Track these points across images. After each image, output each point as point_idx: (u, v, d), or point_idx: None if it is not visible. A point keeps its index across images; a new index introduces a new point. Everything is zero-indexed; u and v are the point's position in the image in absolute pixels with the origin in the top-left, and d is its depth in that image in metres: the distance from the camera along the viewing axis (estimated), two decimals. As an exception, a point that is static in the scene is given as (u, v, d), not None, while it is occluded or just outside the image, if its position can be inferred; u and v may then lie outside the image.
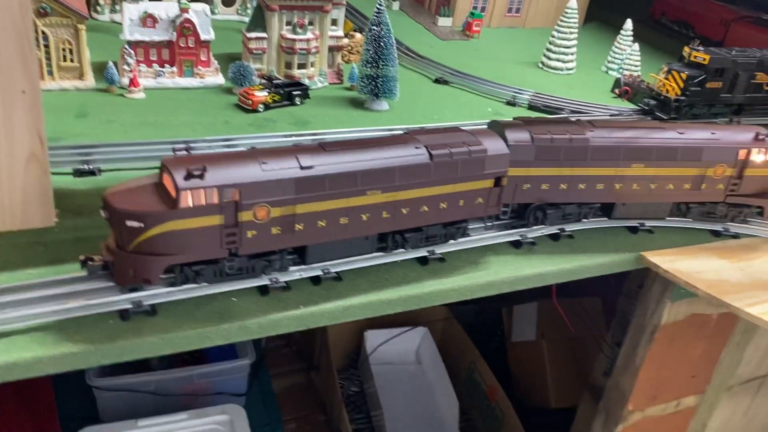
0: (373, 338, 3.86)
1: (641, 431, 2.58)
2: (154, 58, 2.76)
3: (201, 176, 1.45)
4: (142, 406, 2.78)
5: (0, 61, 1.56)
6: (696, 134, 2.02)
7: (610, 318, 2.91)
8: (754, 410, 2.89)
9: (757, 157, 2.07)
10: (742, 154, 2.06)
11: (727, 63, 2.95)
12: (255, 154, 1.54)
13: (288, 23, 2.86)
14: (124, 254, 1.48)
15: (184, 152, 1.53)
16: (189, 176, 1.44)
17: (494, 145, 1.82)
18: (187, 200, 1.45)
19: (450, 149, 1.74)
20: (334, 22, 3.00)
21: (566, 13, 3.53)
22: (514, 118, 2.01)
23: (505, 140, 1.88)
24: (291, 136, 2.41)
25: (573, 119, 2.06)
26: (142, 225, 1.44)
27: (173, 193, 1.45)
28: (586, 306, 3.55)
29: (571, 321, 3.60)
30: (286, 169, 1.54)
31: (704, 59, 2.90)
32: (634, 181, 2.00)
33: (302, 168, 1.55)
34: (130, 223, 1.44)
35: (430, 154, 1.72)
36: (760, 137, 2.06)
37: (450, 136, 1.80)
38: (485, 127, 1.96)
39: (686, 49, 3.00)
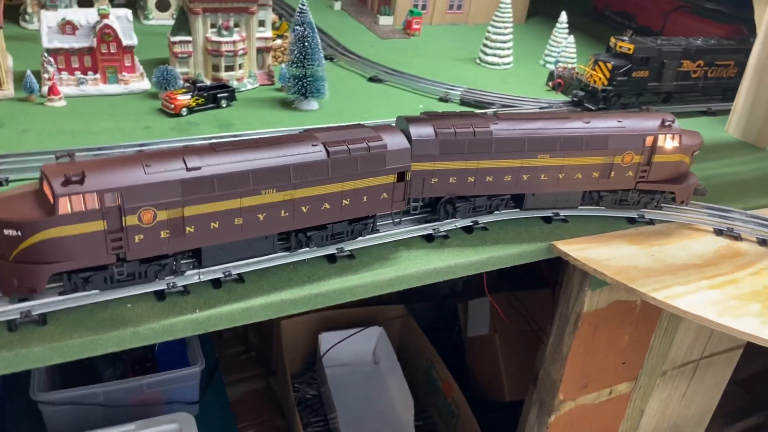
0: (327, 340, 3.85)
1: (575, 420, 2.60)
2: (76, 65, 2.72)
3: (80, 182, 1.43)
4: (91, 419, 2.73)
5: None
6: (601, 123, 2.03)
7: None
8: (691, 394, 2.92)
9: (664, 143, 2.09)
10: (649, 140, 2.07)
11: (652, 52, 2.97)
12: (139, 158, 1.53)
13: (213, 26, 2.84)
14: (5, 264, 1.46)
15: (67, 158, 1.51)
16: (67, 182, 1.42)
17: (395, 141, 1.82)
18: (66, 206, 1.43)
19: (348, 145, 1.74)
20: (261, 23, 2.99)
21: (500, 7, 3.54)
22: (422, 113, 2.00)
23: (409, 136, 1.88)
24: (212, 138, 2.40)
25: (479, 112, 2.06)
26: (19, 233, 1.42)
27: (51, 199, 1.43)
28: (538, 298, 3.57)
29: (522, 313, 3.63)
30: (171, 171, 1.52)
31: (629, 49, 2.93)
32: (542, 172, 2.00)
33: (189, 169, 1.54)
34: (7, 232, 1.42)
35: (327, 151, 1.72)
36: (667, 123, 2.08)
37: (349, 132, 1.80)
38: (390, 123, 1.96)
39: (612, 39, 3.02)
